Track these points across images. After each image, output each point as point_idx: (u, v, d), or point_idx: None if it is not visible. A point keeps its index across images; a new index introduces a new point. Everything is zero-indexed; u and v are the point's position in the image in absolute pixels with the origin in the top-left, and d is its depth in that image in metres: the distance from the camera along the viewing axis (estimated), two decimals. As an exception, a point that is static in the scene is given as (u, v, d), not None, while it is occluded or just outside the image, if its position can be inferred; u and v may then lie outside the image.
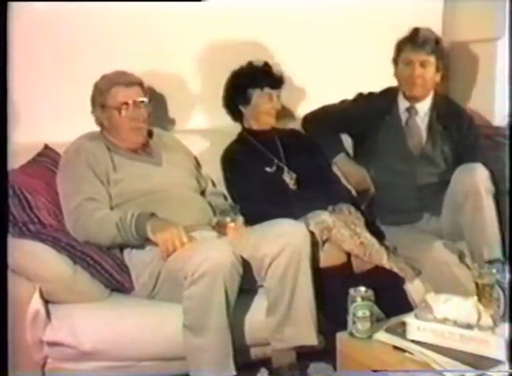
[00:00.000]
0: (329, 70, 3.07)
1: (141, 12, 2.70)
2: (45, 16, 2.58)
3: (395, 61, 2.81)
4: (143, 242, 2.27)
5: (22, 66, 2.26)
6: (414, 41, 2.73)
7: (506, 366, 1.72)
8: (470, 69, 3.22)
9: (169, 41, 2.80)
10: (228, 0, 2.78)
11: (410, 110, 2.83)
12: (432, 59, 2.74)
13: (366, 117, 2.83)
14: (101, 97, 2.44)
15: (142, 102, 2.46)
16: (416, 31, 2.75)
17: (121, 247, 2.34)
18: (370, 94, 2.94)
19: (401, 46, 2.78)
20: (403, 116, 2.83)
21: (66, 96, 2.64)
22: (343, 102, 2.96)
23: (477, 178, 2.53)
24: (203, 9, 2.79)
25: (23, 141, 2.40)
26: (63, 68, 2.65)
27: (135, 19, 2.71)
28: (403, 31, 2.77)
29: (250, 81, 2.72)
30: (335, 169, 2.84)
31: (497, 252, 2.50)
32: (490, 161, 2.66)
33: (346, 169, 2.85)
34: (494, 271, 1.99)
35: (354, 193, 2.83)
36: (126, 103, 2.42)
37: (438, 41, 2.76)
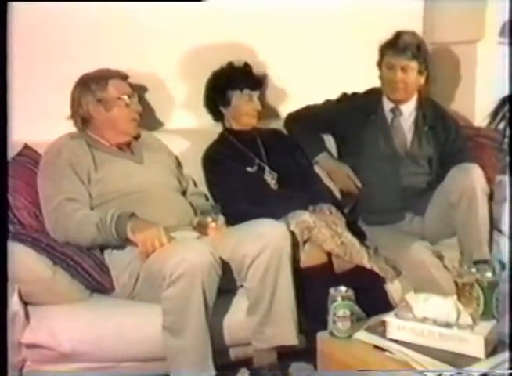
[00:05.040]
0: (312, 71, 3.08)
1: (124, 13, 2.69)
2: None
3: (379, 65, 2.81)
4: (123, 243, 2.26)
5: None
6: (395, 46, 2.73)
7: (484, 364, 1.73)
8: (450, 70, 3.24)
9: (151, 40, 2.78)
10: (213, 1, 2.77)
11: (395, 111, 2.84)
12: (413, 64, 2.73)
13: (351, 117, 2.84)
14: (98, 91, 2.43)
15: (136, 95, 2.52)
16: (397, 36, 2.75)
17: (102, 248, 2.32)
18: (354, 94, 2.95)
19: (383, 51, 2.79)
20: (388, 116, 2.84)
21: (47, 96, 2.61)
22: (327, 102, 2.96)
23: (474, 177, 2.54)
24: (187, 10, 2.78)
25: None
26: (45, 67, 2.63)
27: (118, 19, 2.69)
28: (385, 32, 2.78)
29: (229, 82, 2.72)
30: (317, 169, 2.85)
31: (485, 253, 2.52)
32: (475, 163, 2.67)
33: (329, 168, 2.85)
34: (473, 270, 2.01)
35: (337, 194, 2.85)
36: (130, 94, 2.48)
37: (420, 45, 2.75)
